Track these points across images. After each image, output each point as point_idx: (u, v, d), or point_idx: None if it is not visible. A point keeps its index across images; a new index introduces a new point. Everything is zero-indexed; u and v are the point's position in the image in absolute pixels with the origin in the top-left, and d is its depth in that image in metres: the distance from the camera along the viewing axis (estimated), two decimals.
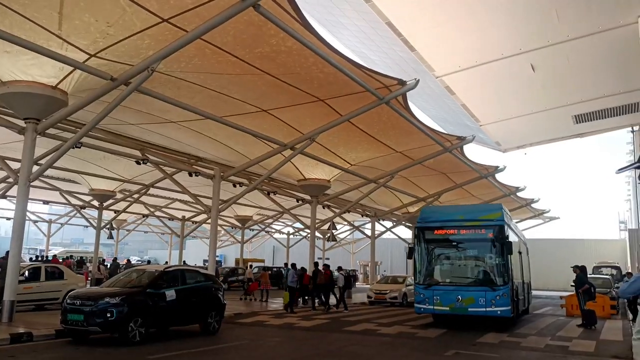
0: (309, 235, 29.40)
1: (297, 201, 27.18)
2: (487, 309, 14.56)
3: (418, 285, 15.90)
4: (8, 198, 30.36)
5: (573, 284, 17.35)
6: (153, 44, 11.30)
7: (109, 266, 30.65)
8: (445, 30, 15.25)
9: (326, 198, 26.16)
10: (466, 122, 22.05)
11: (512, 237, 16.43)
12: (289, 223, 49.57)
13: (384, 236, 39.83)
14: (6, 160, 17.56)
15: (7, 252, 14.31)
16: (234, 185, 22.98)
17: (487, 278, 15.21)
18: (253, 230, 48.19)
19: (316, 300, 21.49)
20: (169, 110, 15.52)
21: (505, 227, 15.29)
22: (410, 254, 16.47)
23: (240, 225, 42.93)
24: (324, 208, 28.72)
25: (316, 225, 25.66)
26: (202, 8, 9.85)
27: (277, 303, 22.89)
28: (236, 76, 13.29)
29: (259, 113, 15.96)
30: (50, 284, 17.16)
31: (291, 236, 52.61)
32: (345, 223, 40.20)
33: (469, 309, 14.77)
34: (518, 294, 16.78)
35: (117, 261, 31.76)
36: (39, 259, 33.39)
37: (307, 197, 25.51)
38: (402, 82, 14.02)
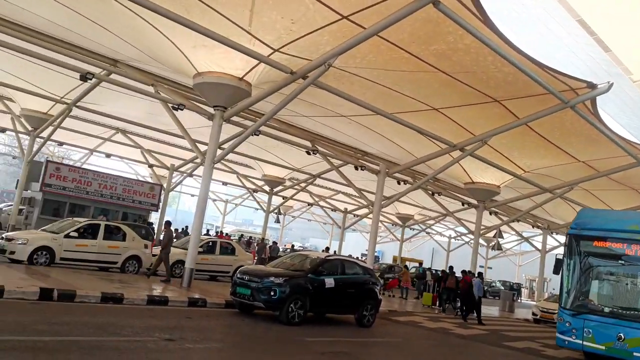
0: (471, 241, 28.34)
1: (462, 204, 26.37)
2: None
3: (563, 310, 12.13)
4: (194, 177, 34.03)
5: None
6: (331, 40, 11.70)
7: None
8: None
9: (494, 204, 24.95)
10: None
11: None
12: (452, 226, 48.33)
13: (555, 251, 36.85)
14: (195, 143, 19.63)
15: (168, 222, 16.22)
16: (398, 183, 22.97)
17: None
18: (413, 229, 47.87)
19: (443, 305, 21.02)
20: (341, 105, 15.98)
21: None
22: (557, 267, 12.63)
23: (400, 223, 42.91)
24: (490, 214, 27.52)
25: (481, 232, 24.62)
26: (382, 5, 9.92)
27: (416, 302, 22.53)
28: (409, 73, 13.20)
29: (429, 111, 15.70)
30: (224, 258, 18.88)
31: (452, 240, 51.21)
32: (513, 233, 38.04)
33: (635, 354, 10.89)
34: None
35: (264, 242, 33.47)
36: (209, 233, 36.68)
37: (474, 201, 24.56)
38: (591, 85, 12.71)
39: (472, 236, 28.06)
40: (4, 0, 12.95)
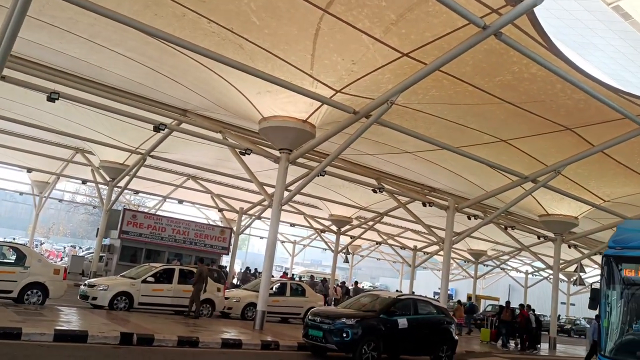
0: (550, 277, 26.95)
1: (538, 238, 25.26)
2: None
3: (603, 358, 7.74)
4: (263, 219, 34.60)
5: None
6: (392, 78, 11.75)
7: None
8: None
9: (573, 236, 23.72)
10: None
11: None
12: (528, 261, 46.22)
13: None
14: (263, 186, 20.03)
15: (200, 259, 16.38)
16: (469, 218, 22.33)
17: None
18: (487, 265, 46.12)
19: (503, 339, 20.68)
20: (405, 141, 15.90)
21: None
22: (594, 301, 8.21)
23: (473, 259, 41.50)
24: (569, 247, 26.13)
25: (560, 266, 23.39)
26: (442, 40, 9.90)
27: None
28: (474, 106, 12.99)
29: (497, 143, 15.32)
30: (294, 300, 18.80)
31: (530, 276, 48.92)
32: (596, 266, 35.82)
33: None
34: None
35: (314, 280, 32.18)
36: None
37: (550, 234, 23.46)
38: None
39: (550, 271, 26.72)
40: (86, 62, 13.99)
